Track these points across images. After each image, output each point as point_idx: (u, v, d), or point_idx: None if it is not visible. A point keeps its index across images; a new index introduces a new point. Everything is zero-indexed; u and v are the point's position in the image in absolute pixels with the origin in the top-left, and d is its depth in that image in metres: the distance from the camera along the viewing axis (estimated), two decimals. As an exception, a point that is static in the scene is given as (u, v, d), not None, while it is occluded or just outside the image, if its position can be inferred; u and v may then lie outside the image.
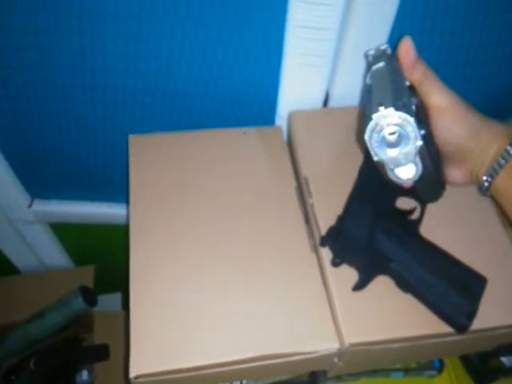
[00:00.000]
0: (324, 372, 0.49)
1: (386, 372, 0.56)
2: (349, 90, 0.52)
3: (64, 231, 0.82)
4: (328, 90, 0.53)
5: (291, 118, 0.52)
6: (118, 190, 0.71)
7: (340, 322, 0.40)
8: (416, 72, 0.39)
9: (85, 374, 0.72)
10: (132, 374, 0.37)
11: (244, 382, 0.44)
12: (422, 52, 0.51)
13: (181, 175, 0.49)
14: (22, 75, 0.53)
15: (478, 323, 0.38)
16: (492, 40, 0.51)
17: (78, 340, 0.78)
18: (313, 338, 0.40)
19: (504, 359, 0.55)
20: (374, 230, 0.41)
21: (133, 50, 0.49)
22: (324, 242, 0.43)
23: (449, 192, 0.47)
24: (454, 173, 0.42)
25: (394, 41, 0.48)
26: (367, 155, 0.47)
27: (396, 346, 0.40)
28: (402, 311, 0.40)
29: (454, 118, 0.39)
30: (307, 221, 0.47)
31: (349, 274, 0.42)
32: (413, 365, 0.56)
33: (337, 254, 0.42)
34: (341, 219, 0.43)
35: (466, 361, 0.56)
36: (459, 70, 0.54)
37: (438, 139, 0.40)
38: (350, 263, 0.42)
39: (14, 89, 0.55)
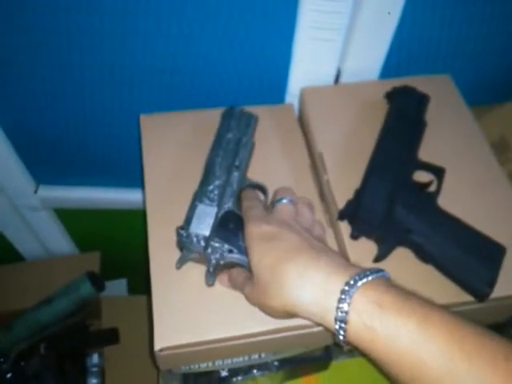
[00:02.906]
0: (339, 347, 0.49)
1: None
2: (361, 64, 0.52)
3: (69, 217, 0.81)
4: (339, 67, 0.53)
5: (303, 94, 0.52)
6: (125, 175, 0.70)
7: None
8: None
9: (95, 358, 0.73)
10: (157, 346, 0.37)
11: (263, 355, 0.44)
12: (434, 26, 0.51)
13: (194, 154, 0.49)
14: (28, 55, 0.52)
15: (497, 291, 0.39)
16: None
17: (85, 326, 0.78)
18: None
19: (515, 331, 0.56)
20: (393, 202, 0.41)
21: (142, 27, 0.48)
22: (342, 215, 0.43)
23: (463, 164, 0.47)
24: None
25: (408, 13, 0.48)
26: (384, 129, 0.47)
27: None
28: (421, 281, 0.40)
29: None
30: (322, 198, 0.47)
31: (367, 247, 0.42)
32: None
33: (356, 227, 0.42)
34: (359, 193, 0.43)
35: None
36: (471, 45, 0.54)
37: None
38: (369, 236, 0.42)
39: (19, 70, 0.54)
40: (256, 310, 0.39)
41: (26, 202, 0.73)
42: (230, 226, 0.39)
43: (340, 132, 0.50)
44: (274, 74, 0.54)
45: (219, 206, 0.40)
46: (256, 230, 0.36)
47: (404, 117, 0.47)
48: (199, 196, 0.41)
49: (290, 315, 0.35)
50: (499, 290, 0.39)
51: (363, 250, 0.42)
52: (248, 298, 0.38)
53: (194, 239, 0.38)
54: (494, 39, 0.55)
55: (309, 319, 0.33)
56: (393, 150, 0.45)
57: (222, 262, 0.38)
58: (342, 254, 0.43)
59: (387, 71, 0.54)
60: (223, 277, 0.40)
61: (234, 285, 0.39)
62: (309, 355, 0.49)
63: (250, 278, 0.37)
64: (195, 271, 0.41)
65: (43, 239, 0.83)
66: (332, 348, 0.52)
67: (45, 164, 0.69)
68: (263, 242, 0.35)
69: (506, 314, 0.47)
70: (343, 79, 0.54)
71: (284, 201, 0.39)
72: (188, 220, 0.39)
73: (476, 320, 0.50)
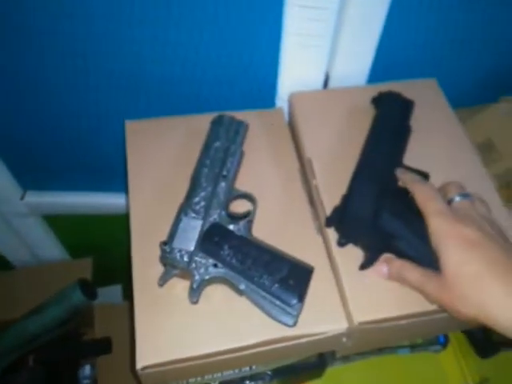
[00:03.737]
0: (332, 353, 0.49)
1: (392, 349, 0.56)
2: (349, 70, 0.52)
3: (59, 223, 0.80)
4: (328, 71, 0.52)
5: (292, 99, 0.51)
6: (114, 179, 0.69)
7: (348, 301, 0.40)
8: None
9: (87, 369, 0.71)
10: (139, 365, 0.36)
11: (253, 367, 0.44)
12: (420, 30, 0.50)
13: (180, 160, 0.48)
14: (12, 59, 0.50)
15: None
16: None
17: (78, 335, 0.77)
18: (321, 318, 0.40)
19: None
20: (379, 208, 0.41)
21: (129, 34, 0.47)
22: (329, 222, 0.42)
23: (448, 167, 0.47)
24: None
25: (393, 18, 0.47)
26: (370, 135, 0.46)
27: (404, 322, 0.40)
28: (408, 288, 0.40)
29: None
30: (311, 203, 0.47)
31: (354, 254, 0.42)
32: (419, 341, 0.56)
33: (342, 234, 0.42)
34: (345, 199, 0.43)
35: (471, 335, 0.57)
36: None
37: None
38: (356, 243, 0.41)
39: (2, 75, 0.52)
40: (243, 322, 0.39)
41: (13, 208, 0.72)
42: (215, 239, 0.38)
43: (329, 137, 0.49)
44: (262, 79, 0.53)
45: (205, 218, 0.39)
46: (451, 230, 0.35)
47: (389, 123, 0.47)
48: (184, 209, 0.40)
49: (476, 323, 0.34)
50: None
51: (350, 257, 0.42)
52: (428, 295, 0.37)
53: (177, 254, 0.38)
54: (478, 43, 0.54)
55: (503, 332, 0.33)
56: (378, 156, 0.44)
57: (206, 277, 0.38)
58: (330, 262, 0.43)
59: (375, 75, 0.54)
60: (380, 267, 0.39)
61: (402, 278, 0.38)
62: (303, 362, 0.49)
63: (428, 275, 0.37)
64: (179, 286, 0.40)
65: (32, 246, 0.82)
66: (326, 355, 0.52)
67: (31, 170, 0.68)
68: (463, 247, 0.35)
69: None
70: (332, 84, 0.53)
71: (458, 198, 0.38)
72: (171, 234, 0.39)
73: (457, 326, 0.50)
